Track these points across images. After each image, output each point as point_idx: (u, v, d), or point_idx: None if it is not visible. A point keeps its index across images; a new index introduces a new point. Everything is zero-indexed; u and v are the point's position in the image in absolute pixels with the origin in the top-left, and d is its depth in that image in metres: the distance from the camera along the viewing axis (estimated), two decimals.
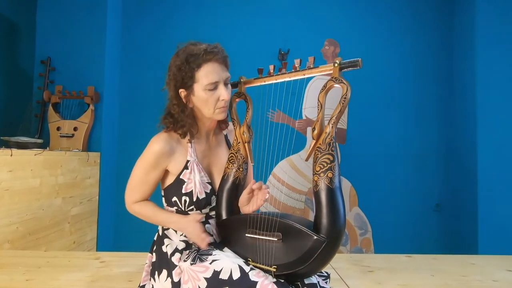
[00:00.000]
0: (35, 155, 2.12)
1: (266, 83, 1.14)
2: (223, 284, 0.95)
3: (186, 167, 1.13)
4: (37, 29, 2.92)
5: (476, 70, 2.90)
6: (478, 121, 2.86)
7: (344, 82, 0.96)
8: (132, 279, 1.49)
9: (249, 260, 1.03)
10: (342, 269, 1.63)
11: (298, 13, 3.29)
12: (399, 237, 3.17)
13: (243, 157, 1.14)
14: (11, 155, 1.91)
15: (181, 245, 1.12)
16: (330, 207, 0.92)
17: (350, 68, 0.97)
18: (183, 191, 1.12)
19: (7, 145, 2.17)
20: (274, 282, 0.93)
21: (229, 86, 1.14)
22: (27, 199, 2.05)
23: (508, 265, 1.72)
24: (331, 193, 0.93)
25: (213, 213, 1.17)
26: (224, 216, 1.12)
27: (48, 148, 2.56)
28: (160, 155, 1.11)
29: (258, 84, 1.16)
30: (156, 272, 1.12)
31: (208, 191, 1.15)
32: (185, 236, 1.14)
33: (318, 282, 1.03)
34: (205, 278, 0.98)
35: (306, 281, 1.00)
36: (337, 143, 3.17)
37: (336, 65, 0.98)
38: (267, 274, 0.97)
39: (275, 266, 0.98)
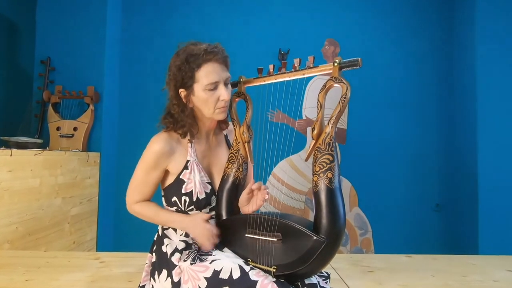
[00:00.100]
0: (35, 155, 2.12)
1: (266, 82, 1.14)
2: (223, 284, 0.95)
3: (186, 167, 1.13)
4: (37, 29, 2.92)
5: (476, 70, 2.90)
6: (478, 121, 2.86)
7: (344, 81, 0.96)
8: (132, 279, 1.49)
9: (249, 261, 1.03)
10: (342, 269, 1.63)
11: (298, 13, 3.29)
12: (399, 237, 3.17)
13: (243, 157, 1.14)
14: (11, 155, 1.91)
15: (181, 245, 1.12)
16: (329, 208, 0.92)
17: (350, 68, 0.96)
18: (183, 191, 1.12)
19: (7, 145, 2.16)
20: (274, 282, 0.93)
21: (229, 86, 1.14)
22: (27, 199, 2.05)
23: (508, 265, 1.71)
24: (331, 193, 0.93)
25: (213, 213, 1.17)
26: (224, 216, 1.12)
27: (48, 148, 2.56)
28: (160, 155, 1.11)
29: (258, 83, 1.15)
30: (156, 272, 1.12)
31: (208, 191, 1.15)
32: (185, 235, 1.14)
33: (318, 282, 1.03)
34: (205, 278, 0.98)
35: (306, 281, 1.00)
36: (337, 143, 3.18)
37: (335, 64, 0.97)
38: (267, 274, 0.97)
39: (275, 267, 0.97)
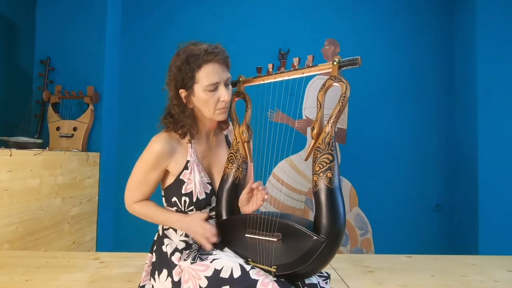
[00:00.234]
0: (34, 155, 2.12)
1: (265, 82, 1.14)
2: (224, 283, 0.95)
3: (186, 168, 1.13)
4: (37, 29, 2.92)
5: (476, 69, 2.90)
6: (479, 121, 2.86)
7: (343, 80, 0.95)
8: (132, 279, 1.49)
9: (249, 260, 1.03)
10: (342, 270, 1.63)
11: (298, 13, 3.29)
12: (400, 237, 3.17)
13: (242, 157, 1.13)
14: (11, 155, 1.91)
15: (181, 245, 1.12)
16: (329, 207, 0.92)
17: (349, 67, 0.96)
18: (183, 192, 1.12)
19: (7, 145, 2.16)
20: (275, 281, 0.93)
21: (230, 86, 1.13)
22: (26, 199, 2.05)
23: (508, 266, 1.71)
24: (331, 193, 0.92)
25: (213, 213, 1.17)
26: (224, 216, 1.12)
27: (47, 148, 2.56)
28: (160, 155, 1.11)
29: (257, 83, 1.15)
30: (156, 272, 1.12)
31: (208, 192, 1.15)
32: (185, 236, 1.14)
33: (319, 282, 1.03)
34: (206, 277, 0.98)
35: (307, 281, 1.00)
36: (336, 143, 3.18)
37: (335, 63, 0.97)
38: (267, 273, 0.97)
39: (275, 266, 0.97)
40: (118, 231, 3.12)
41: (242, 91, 1.18)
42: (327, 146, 0.95)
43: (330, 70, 0.99)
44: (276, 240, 0.98)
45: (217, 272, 0.97)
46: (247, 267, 0.97)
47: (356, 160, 3.19)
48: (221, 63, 1.09)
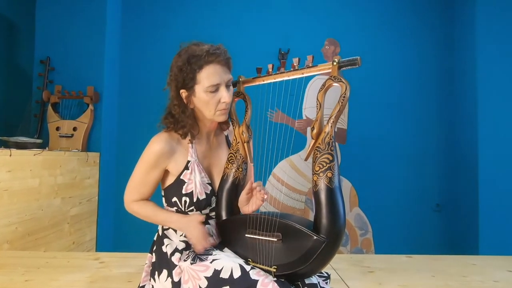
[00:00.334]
0: (34, 155, 2.11)
1: (265, 82, 1.14)
2: (224, 283, 0.95)
3: (186, 168, 1.13)
4: (36, 29, 2.92)
5: (476, 69, 2.90)
6: (479, 120, 2.86)
7: (343, 81, 0.95)
8: (132, 279, 1.49)
9: (249, 261, 1.03)
10: (342, 270, 1.63)
11: (298, 13, 3.29)
12: (400, 238, 3.17)
13: (242, 157, 1.13)
14: (10, 155, 1.91)
15: (181, 245, 1.12)
16: (329, 207, 0.92)
17: (349, 67, 0.96)
18: (184, 192, 1.12)
19: (6, 145, 2.16)
20: (275, 281, 0.93)
21: (231, 88, 1.13)
22: (26, 199, 2.05)
23: (508, 266, 1.71)
24: (331, 193, 0.92)
25: (213, 213, 1.17)
26: (224, 217, 1.12)
27: (47, 148, 2.55)
28: (160, 155, 1.10)
29: (257, 83, 1.15)
30: (156, 272, 1.12)
31: (209, 192, 1.15)
32: (185, 236, 1.14)
33: (319, 282, 1.02)
34: (206, 277, 0.98)
35: (307, 281, 1.00)
36: (336, 143, 3.18)
37: (334, 63, 0.97)
38: (267, 274, 0.97)
39: (275, 267, 0.97)
40: (118, 231, 3.12)
41: (242, 91, 1.18)
42: (327, 146, 0.95)
43: (330, 70, 0.99)
44: (276, 240, 0.98)
45: (217, 272, 0.97)
46: (247, 267, 0.97)
47: (356, 160, 3.19)
48: (223, 64, 1.09)
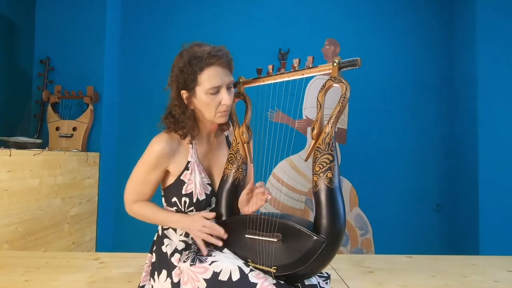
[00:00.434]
0: (34, 155, 2.11)
1: (265, 83, 1.14)
2: (222, 286, 0.95)
3: (186, 168, 1.13)
4: (36, 29, 2.92)
5: (477, 69, 2.89)
6: (479, 120, 2.86)
7: (343, 81, 0.95)
8: (132, 279, 1.49)
9: (249, 261, 1.03)
10: (342, 270, 1.63)
11: (298, 13, 3.29)
12: (400, 238, 3.17)
13: (242, 157, 1.13)
14: (10, 155, 1.91)
15: (181, 246, 1.12)
16: (329, 208, 0.92)
17: (349, 68, 0.96)
18: (183, 192, 1.12)
19: (6, 145, 2.16)
20: (274, 284, 0.93)
21: (232, 90, 1.13)
22: (26, 199, 2.05)
23: (509, 266, 1.71)
24: (331, 193, 0.92)
25: None
26: (224, 217, 1.12)
27: (47, 148, 2.55)
28: (161, 156, 1.10)
29: (257, 84, 1.15)
30: (156, 273, 1.12)
31: (208, 193, 1.15)
32: (185, 235, 1.14)
33: (319, 282, 1.02)
34: (205, 279, 0.98)
35: (307, 282, 1.00)
36: (336, 143, 3.17)
37: (335, 64, 0.97)
38: (267, 276, 0.97)
39: (275, 267, 0.97)
40: (118, 231, 3.12)
41: (242, 92, 1.18)
42: (327, 147, 0.95)
43: (330, 71, 0.99)
44: (276, 240, 0.98)
45: (215, 274, 0.97)
46: (246, 270, 0.97)
47: (356, 160, 3.19)
48: (224, 66, 1.08)
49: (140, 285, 1.19)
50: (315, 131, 0.98)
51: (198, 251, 1.11)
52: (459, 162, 3.11)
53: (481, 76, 2.88)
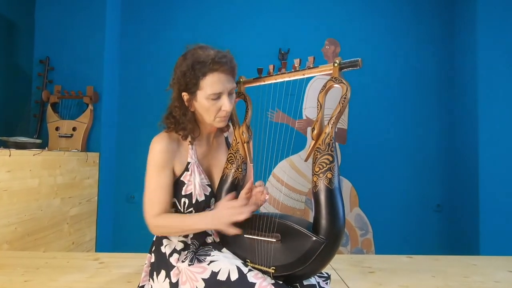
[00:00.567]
0: (33, 155, 2.11)
1: (266, 83, 1.14)
2: (221, 285, 0.95)
3: (186, 169, 1.13)
4: (36, 29, 2.91)
5: (477, 69, 2.89)
6: (480, 121, 2.85)
7: (344, 82, 0.95)
8: (131, 280, 1.49)
9: (248, 261, 1.02)
10: (342, 270, 1.62)
11: (298, 12, 3.28)
12: (400, 238, 3.16)
13: (242, 157, 1.13)
14: (10, 155, 1.91)
15: (180, 245, 1.12)
16: (329, 208, 0.92)
17: (350, 68, 0.96)
18: (183, 193, 1.11)
19: (6, 145, 2.16)
20: (272, 284, 0.92)
21: (234, 95, 1.12)
22: (25, 199, 2.04)
23: (509, 266, 1.71)
24: (330, 193, 0.92)
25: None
26: None
27: (46, 148, 2.55)
28: (165, 152, 1.09)
29: (258, 84, 1.15)
30: (155, 273, 1.12)
31: (208, 194, 1.15)
32: (183, 236, 1.13)
33: (318, 283, 1.02)
34: (203, 279, 0.97)
35: (306, 282, 1.00)
36: (337, 144, 3.17)
37: (335, 65, 0.97)
38: (265, 276, 0.97)
39: (274, 267, 0.97)
40: (118, 231, 3.12)
41: (242, 91, 1.18)
42: (327, 147, 0.95)
43: (331, 71, 0.99)
44: (275, 240, 0.98)
45: (214, 274, 0.97)
46: (245, 270, 0.97)
47: (357, 160, 3.19)
48: (227, 73, 1.07)
49: (140, 285, 1.19)
50: (315, 132, 0.97)
51: (196, 251, 1.11)
52: (459, 162, 3.10)
53: (481, 76, 2.87)
